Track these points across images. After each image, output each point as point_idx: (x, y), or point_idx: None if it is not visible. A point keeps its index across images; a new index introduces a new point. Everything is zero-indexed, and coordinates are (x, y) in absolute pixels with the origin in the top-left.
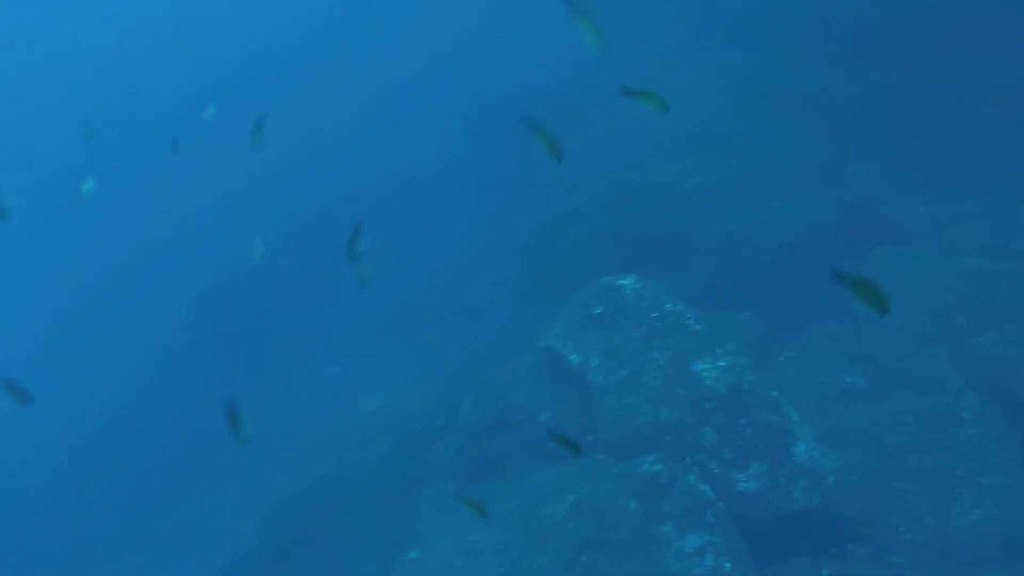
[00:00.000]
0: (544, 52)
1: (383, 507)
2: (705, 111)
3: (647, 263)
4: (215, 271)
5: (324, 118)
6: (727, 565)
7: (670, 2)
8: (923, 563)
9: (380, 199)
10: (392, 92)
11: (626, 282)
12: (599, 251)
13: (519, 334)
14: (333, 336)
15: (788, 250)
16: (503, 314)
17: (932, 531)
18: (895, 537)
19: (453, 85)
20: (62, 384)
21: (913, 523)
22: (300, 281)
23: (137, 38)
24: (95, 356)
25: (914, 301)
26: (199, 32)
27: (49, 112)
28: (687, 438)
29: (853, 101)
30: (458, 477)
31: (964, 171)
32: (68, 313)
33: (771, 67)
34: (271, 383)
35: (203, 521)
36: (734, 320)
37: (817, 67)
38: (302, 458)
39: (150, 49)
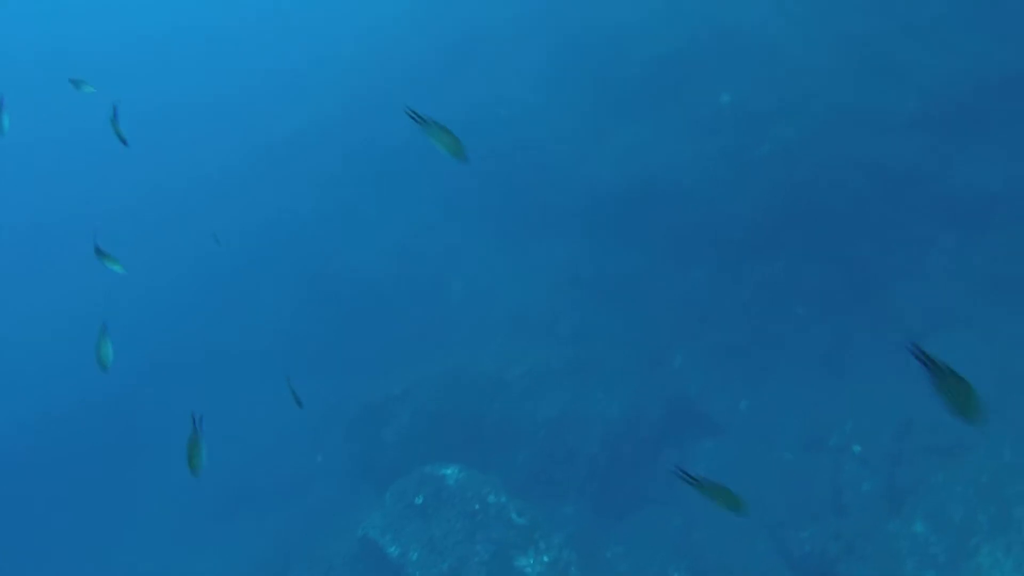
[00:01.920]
0: (372, 233)
1: None
2: (532, 298)
3: (471, 451)
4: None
5: (155, 283)
6: None
7: (499, 192)
8: None
9: (207, 372)
10: (225, 263)
11: (448, 471)
12: (422, 437)
13: (338, 519)
14: (138, 521)
15: (613, 441)
16: (323, 496)
17: None
18: None
19: (284, 263)
20: None
21: None
22: (108, 458)
23: None
24: None
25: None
26: None
27: None
28: None
29: (675, 295)
30: None
31: (780, 367)
32: None
33: (597, 258)
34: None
35: None
36: (559, 512)
37: (641, 260)
38: None
39: None
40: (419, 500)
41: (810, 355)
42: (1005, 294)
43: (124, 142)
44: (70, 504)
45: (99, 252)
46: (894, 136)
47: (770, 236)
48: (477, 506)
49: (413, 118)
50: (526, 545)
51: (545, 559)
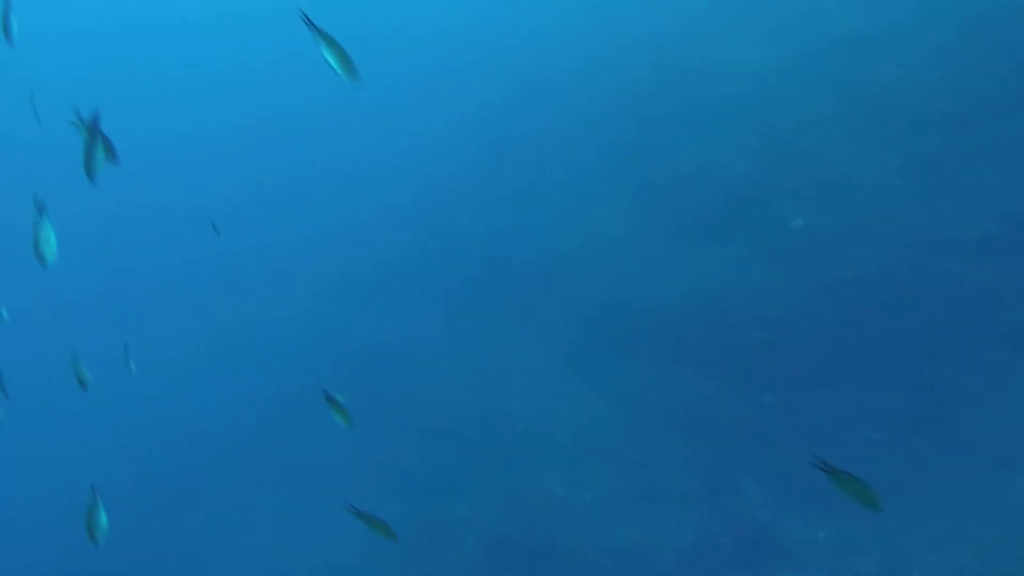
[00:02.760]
0: (438, 355)
1: None
2: (596, 422)
3: None
4: None
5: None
6: None
7: (563, 316)
8: None
9: (255, 483)
10: (295, 384)
11: None
12: (490, 564)
13: None
14: None
15: (684, 570)
16: None
17: None
18: None
19: (353, 380)
20: None
21: None
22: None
23: None
24: None
25: None
26: None
27: None
28: None
29: (742, 420)
30: None
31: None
32: None
33: (661, 382)
34: None
35: None
36: None
37: (706, 385)
38: None
39: None
40: None
41: (885, 483)
42: None
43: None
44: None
45: None
46: (969, 258)
47: (841, 360)
48: None
49: (307, 23)
50: None
51: None
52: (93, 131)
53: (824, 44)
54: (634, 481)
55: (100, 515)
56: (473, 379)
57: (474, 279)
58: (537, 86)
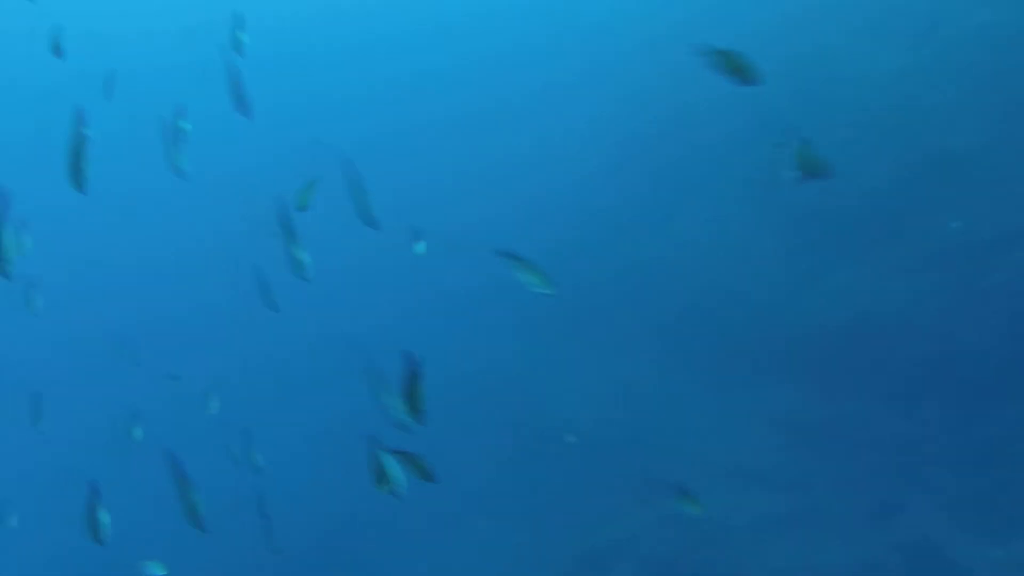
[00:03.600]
0: (577, 378)
1: None
2: (745, 446)
3: None
4: None
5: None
6: None
7: (706, 336)
8: None
9: (402, 531)
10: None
11: None
12: None
13: None
14: None
15: None
16: None
17: None
18: None
19: (489, 409)
20: None
21: None
22: None
23: None
24: None
25: None
26: None
27: None
28: None
29: (901, 438)
30: None
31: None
32: None
33: (810, 402)
34: None
35: None
36: None
37: (858, 403)
38: None
39: None
40: None
41: None
42: None
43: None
44: None
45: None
46: None
47: (1008, 370)
48: None
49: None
50: None
51: None
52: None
53: (962, 41)
54: (791, 503)
55: (101, 514)
56: (617, 402)
57: (607, 299)
58: (682, 112)
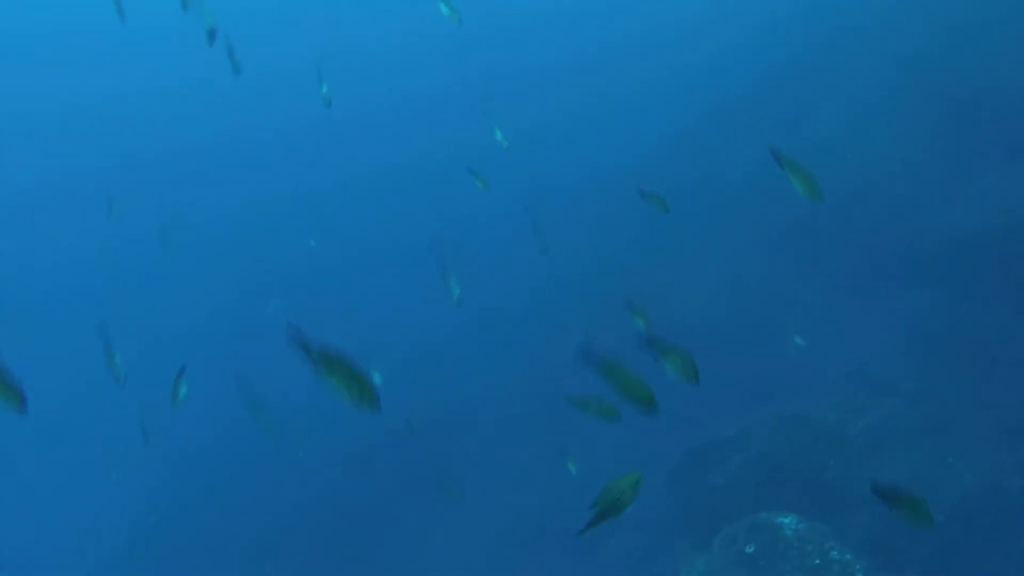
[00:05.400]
0: (701, 272)
1: None
2: (871, 352)
3: (805, 504)
4: None
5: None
6: None
7: (837, 241)
8: None
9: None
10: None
11: (786, 521)
12: (754, 484)
13: (650, 566)
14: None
15: (967, 513)
16: (634, 544)
17: None
18: None
19: (607, 295)
20: None
21: None
22: None
23: None
24: None
25: None
26: None
27: None
28: None
29: None
30: None
31: None
32: None
33: (945, 311)
34: None
35: None
36: None
37: (1004, 316)
38: None
39: None
40: (750, 549)
41: None
42: None
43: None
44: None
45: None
46: None
47: None
48: (818, 561)
49: (775, 158)
50: None
51: None
52: None
53: None
54: (914, 413)
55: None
56: (744, 305)
57: (742, 209)
58: None
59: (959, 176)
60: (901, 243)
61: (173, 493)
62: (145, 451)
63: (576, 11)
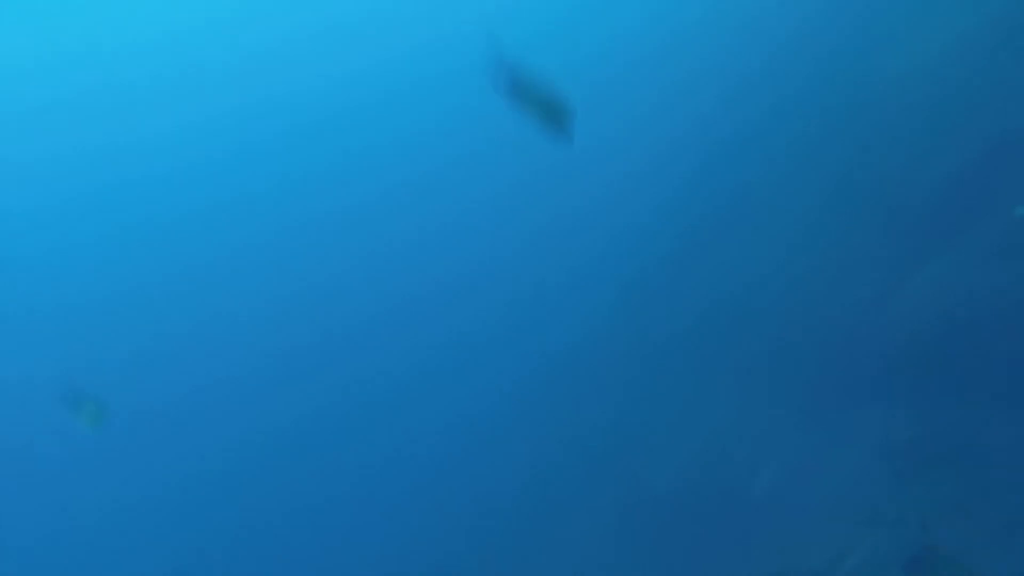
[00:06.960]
0: (664, 433)
1: None
2: (847, 477)
3: None
4: None
5: None
6: None
7: (788, 360)
8: None
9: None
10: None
11: None
12: None
13: None
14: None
15: None
16: None
17: None
18: None
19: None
20: None
21: None
22: None
23: None
24: None
25: None
26: None
27: None
28: None
29: (1015, 446)
30: None
31: None
32: None
33: (916, 420)
34: None
35: None
36: None
37: (973, 417)
38: None
39: None
40: None
41: None
42: None
43: None
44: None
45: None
46: None
47: None
48: None
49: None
50: None
51: None
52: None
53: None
54: (900, 542)
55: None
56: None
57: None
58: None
59: (893, 277)
60: (845, 356)
61: None
62: None
63: None
